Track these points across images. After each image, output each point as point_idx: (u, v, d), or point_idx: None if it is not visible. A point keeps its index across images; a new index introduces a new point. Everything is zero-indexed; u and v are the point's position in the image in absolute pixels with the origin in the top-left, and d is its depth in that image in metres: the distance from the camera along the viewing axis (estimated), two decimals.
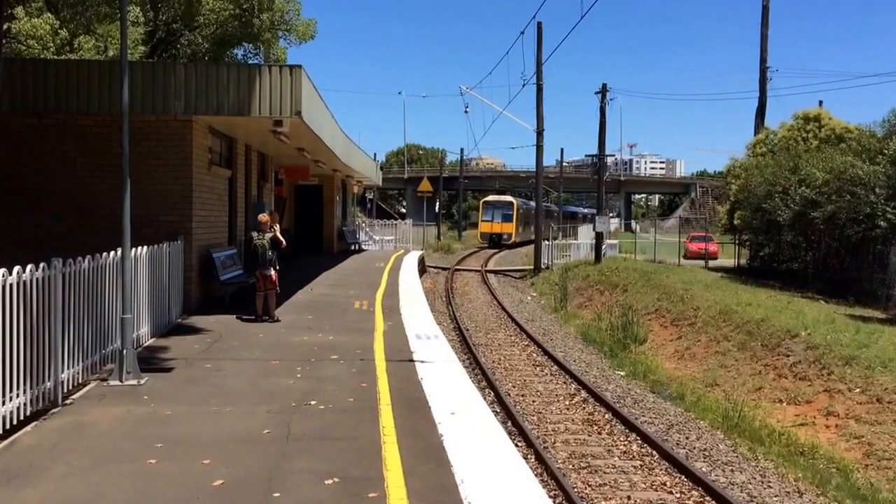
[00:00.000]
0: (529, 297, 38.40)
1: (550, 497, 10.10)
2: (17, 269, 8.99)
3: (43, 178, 16.78)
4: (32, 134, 16.78)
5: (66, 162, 16.85)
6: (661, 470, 12.46)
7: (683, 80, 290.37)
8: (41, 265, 9.61)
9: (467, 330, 25.29)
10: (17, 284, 8.97)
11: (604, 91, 46.76)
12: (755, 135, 46.41)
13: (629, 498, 11.27)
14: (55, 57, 26.96)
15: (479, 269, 49.42)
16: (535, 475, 9.95)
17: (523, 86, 49.00)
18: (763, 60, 51.46)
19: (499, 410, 15.39)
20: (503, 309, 31.42)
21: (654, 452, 13.28)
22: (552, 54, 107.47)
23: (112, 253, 11.98)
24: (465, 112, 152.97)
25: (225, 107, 16.61)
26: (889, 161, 28.05)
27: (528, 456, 12.67)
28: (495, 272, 49.26)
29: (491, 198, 76.07)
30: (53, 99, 16.43)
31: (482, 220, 71.39)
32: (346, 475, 7.51)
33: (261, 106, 16.57)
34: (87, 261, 11.07)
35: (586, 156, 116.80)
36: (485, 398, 12.87)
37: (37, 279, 9.46)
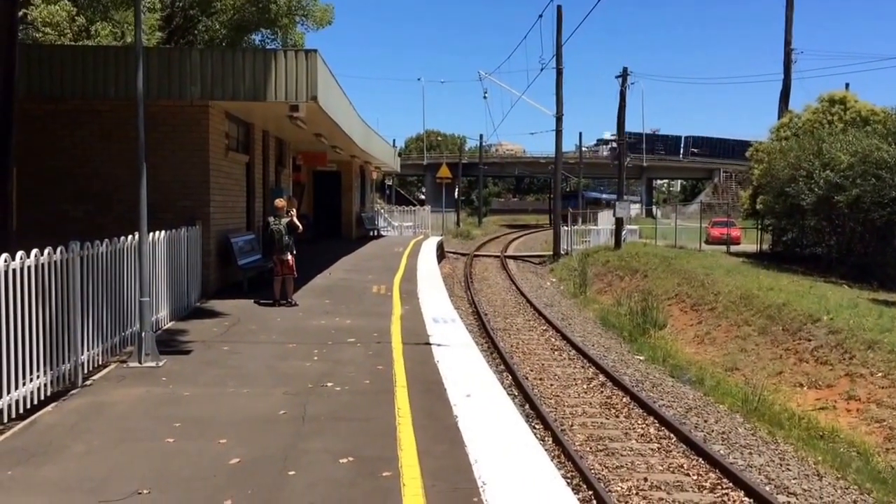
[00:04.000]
0: (549, 283, 38.35)
1: (567, 478, 10.12)
2: (34, 252, 9.04)
3: (61, 163, 16.86)
4: (50, 120, 16.85)
5: (84, 147, 16.93)
6: (678, 452, 12.43)
7: (706, 64, 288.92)
8: (59, 248, 9.67)
9: (486, 315, 25.30)
10: (36, 267, 9.03)
11: (624, 75, 46.58)
12: (779, 118, 46.03)
13: (646, 480, 11.24)
14: (72, 44, 27.02)
15: (499, 254, 49.46)
16: (553, 457, 10.00)
17: (541, 70, 48.97)
18: (787, 43, 51.08)
19: (516, 394, 15.39)
20: (522, 294, 31.40)
21: (672, 435, 13.24)
22: (571, 36, 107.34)
23: (130, 237, 12.03)
24: (485, 97, 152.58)
25: (241, 92, 16.59)
26: None
27: (546, 438, 12.68)
28: (514, 258, 49.26)
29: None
30: (70, 84, 16.48)
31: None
32: (360, 455, 7.52)
33: (276, 91, 16.55)
34: (104, 244, 11.11)
35: (599, 140, 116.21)
36: (502, 382, 12.91)
37: (55, 262, 9.52)
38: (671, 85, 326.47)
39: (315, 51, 16.70)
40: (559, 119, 47.80)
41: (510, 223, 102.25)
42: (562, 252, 47.01)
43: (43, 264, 9.23)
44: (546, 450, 8.70)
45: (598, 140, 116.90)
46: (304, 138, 26.15)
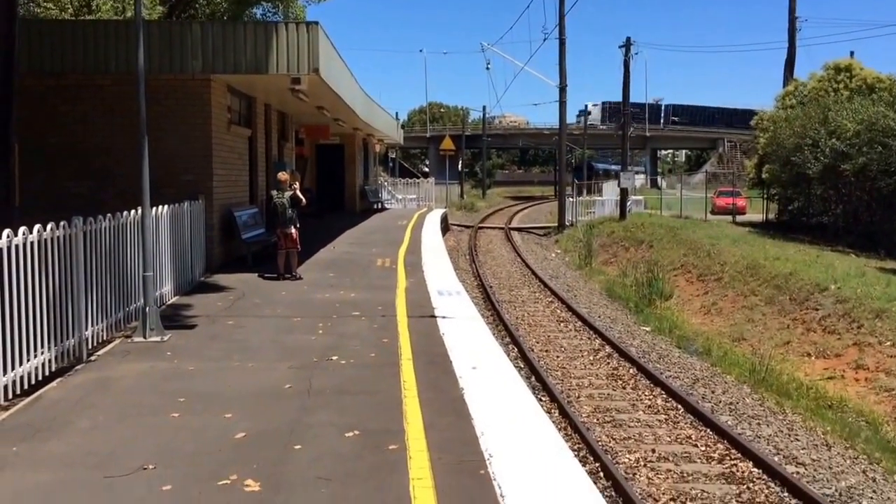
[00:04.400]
0: (553, 254, 38.27)
1: (574, 451, 10.07)
2: (37, 227, 8.99)
3: (63, 138, 16.76)
4: (51, 95, 16.74)
5: (86, 122, 16.84)
6: (685, 423, 12.36)
7: (710, 32, 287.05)
8: (62, 223, 9.62)
9: (490, 287, 25.21)
10: (39, 243, 8.99)
11: (627, 45, 46.28)
12: (784, 87, 45.84)
13: (653, 451, 11.17)
14: (73, 18, 26.85)
15: (503, 226, 49.35)
16: (559, 429, 9.95)
17: (544, 40, 49.51)
18: (792, 10, 50.89)
19: (522, 366, 15.34)
20: (527, 266, 31.32)
21: (679, 406, 13.17)
22: (574, 5, 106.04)
23: (132, 211, 11.99)
24: (487, 68, 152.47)
25: (242, 65, 16.50)
26: None
27: (552, 410, 12.63)
28: (519, 230, 49.15)
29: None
30: (71, 59, 16.37)
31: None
32: (366, 428, 7.48)
33: (278, 64, 16.45)
34: (107, 219, 11.07)
35: (580, 111, 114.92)
36: (508, 354, 12.82)
37: (58, 238, 9.47)
38: (675, 54, 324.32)
39: (316, 23, 16.59)
40: (562, 89, 47.53)
41: (515, 195, 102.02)
42: (567, 223, 46.86)
43: (46, 240, 9.19)
44: (553, 422, 8.65)
45: (579, 111, 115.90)
46: (307, 111, 26.04)
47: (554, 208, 55.84)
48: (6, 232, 8.31)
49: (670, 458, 10.91)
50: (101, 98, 16.76)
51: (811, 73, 43.39)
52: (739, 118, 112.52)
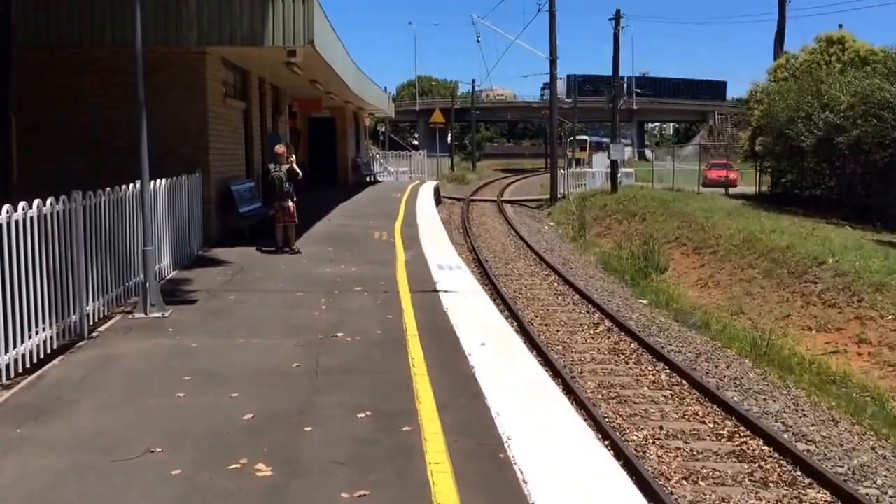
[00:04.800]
0: (547, 227, 38.18)
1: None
2: (37, 202, 8.80)
3: (61, 112, 16.41)
4: (48, 69, 16.41)
5: (83, 96, 16.47)
6: (692, 399, 12.27)
7: (699, 4, 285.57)
8: (62, 198, 9.42)
9: (486, 261, 25.09)
10: (39, 218, 8.79)
11: (617, 17, 46.01)
12: (775, 59, 45.69)
13: (661, 428, 11.09)
14: None
15: (495, 199, 49.24)
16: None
17: (538, 11, 48.22)
18: None
19: (523, 340, 15.22)
20: (521, 239, 31.21)
21: (684, 382, 13.07)
22: None
23: (131, 185, 11.79)
24: (478, 41, 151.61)
25: (238, 37, 16.23)
26: None
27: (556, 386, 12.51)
28: (511, 202, 49.01)
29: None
30: (67, 32, 16.05)
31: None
32: (378, 409, 7.32)
33: (274, 36, 16.18)
34: (106, 194, 10.88)
35: (545, 84, 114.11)
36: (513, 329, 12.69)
37: (58, 213, 9.28)
38: (663, 26, 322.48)
39: None
40: (553, 62, 47.38)
41: (505, 167, 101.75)
42: (558, 196, 46.73)
43: (46, 215, 8.99)
44: (570, 401, 8.49)
45: (543, 84, 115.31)
46: (300, 85, 25.75)
47: (544, 181, 55.74)
48: (6, 207, 8.12)
49: (679, 436, 10.82)
50: (96, 71, 16.42)
51: (803, 46, 43.26)
52: (685, 88, 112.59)
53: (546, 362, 13.80)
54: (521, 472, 5.95)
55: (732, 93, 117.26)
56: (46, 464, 6.20)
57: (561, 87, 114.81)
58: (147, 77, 11.59)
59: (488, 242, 30.45)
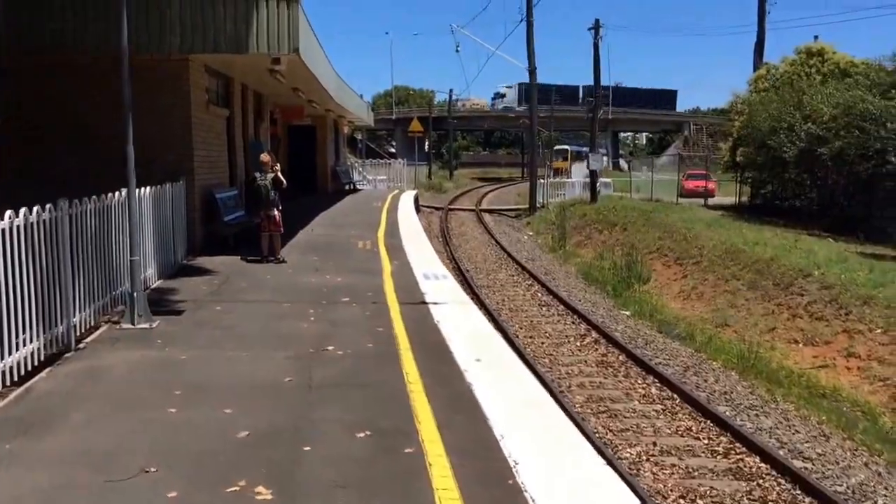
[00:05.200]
0: (526, 237, 38.11)
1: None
2: (23, 210, 8.58)
3: (46, 118, 16.15)
4: (34, 73, 16.15)
5: (67, 102, 16.21)
6: (684, 414, 12.17)
7: (676, 15, 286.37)
8: (48, 207, 9.20)
9: (468, 271, 24.98)
10: (25, 227, 8.58)
11: (597, 27, 46.12)
12: (755, 70, 45.82)
13: (655, 444, 10.97)
14: None
15: (474, 208, 49.23)
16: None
17: (521, 21, 48.19)
18: None
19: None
20: (502, 248, 31.13)
21: (675, 396, 12.98)
22: None
23: (117, 193, 11.58)
24: (457, 51, 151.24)
25: (222, 44, 15.97)
26: None
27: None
28: (490, 211, 48.98)
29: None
30: (49, 37, 15.75)
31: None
32: (376, 427, 7.12)
33: (258, 43, 15.94)
34: (92, 201, 10.66)
35: (495, 94, 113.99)
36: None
37: (44, 221, 9.06)
38: (642, 37, 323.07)
39: (297, 0, 16.10)
40: (532, 72, 47.46)
41: (481, 176, 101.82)
42: (537, 205, 46.67)
43: (32, 223, 8.77)
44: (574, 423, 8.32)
45: (495, 93, 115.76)
46: (282, 92, 25.57)
47: (522, 190, 55.74)
48: None
49: (673, 452, 10.72)
50: (80, 77, 16.13)
51: (783, 57, 43.35)
52: (641, 97, 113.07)
53: (534, 375, 13.66)
54: (533, 501, 5.76)
55: (707, 103, 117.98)
56: (38, 482, 6.00)
57: (511, 95, 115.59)
58: (130, 83, 11.38)
59: (469, 252, 30.32)
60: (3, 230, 8.12)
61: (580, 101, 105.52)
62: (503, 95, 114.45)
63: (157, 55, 15.93)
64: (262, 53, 16.16)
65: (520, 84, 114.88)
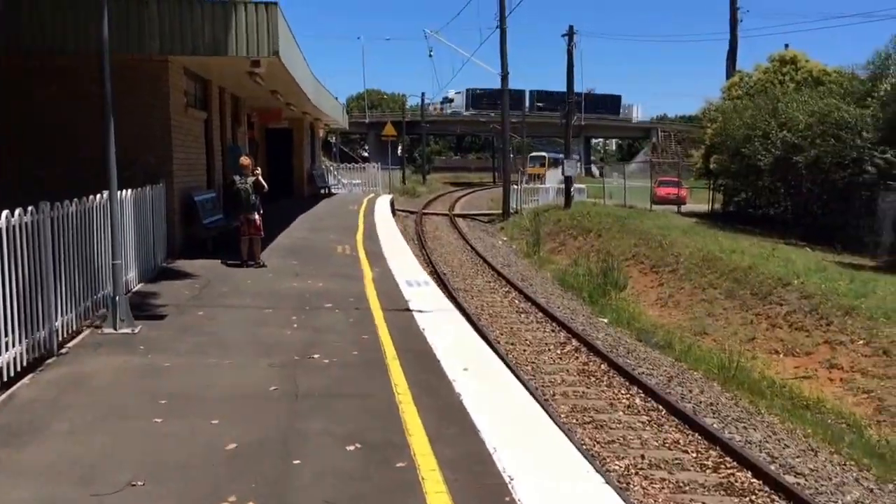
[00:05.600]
0: (500, 242, 38.02)
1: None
2: (5, 213, 8.37)
3: (27, 120, 15.90)
4: (17, 75, 15.88)
5: (48, 104, 15.94)
6: (670, 426, 12.05)
7: (646, 22, 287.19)
8: (29, 209, 8.99)
9: (444, 275, 24.86)
10: (7, 230, 8.38)
11: (570, 34, 46.21)
12: (727, 78, 46.02)
13: (643, 457, 10.84)
14: None
15: (447, 213, 49.13)
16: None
17: (497, 27, 48.14)
18: (733, 1, 50.92)
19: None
20: (477, 254, 31.00)
21: (660, 407, 12.87)
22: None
23: (98, 196, 11.37)
24: (430, 56, 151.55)
25: (201, 46, 15.81)
26: (879, 104, 27.72)
27: None
28: (463, 216, 48.85)
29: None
30: (30, 38, 15.47)
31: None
32: (366, 440, 6.97)
33: (237, 45, 15.77)
34: (74, 204, 10.45)
35: (444, 98, 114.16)
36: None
37: (26, 224, 8.85)
38: (617, 44, 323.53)
39: (276, 3, 15.89)
40: (504, 78, 47.50)
41: (453, 181, 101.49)
42: (511, 211, 46.63)
43: (14, 226, 8.57)
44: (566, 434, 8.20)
45: (443, 98, 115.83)
46: (260, 95, 25.36)
47: (494, 195, 55.66)
48: None
49: (662, 466, 10.60)
50: (60, 79, 15.89)
51: (756, 65, 43.62)
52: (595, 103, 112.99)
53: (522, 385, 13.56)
54: None
55: (675, 110, 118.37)
56: (22, 496, 5.84)
57: (459, 100, 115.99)
58: (111, 80, 11.17)
59: (444, 257, 30.19)
60: None
61: (528, 107, 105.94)
62: (451, 100, 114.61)
63: (137, 55, 15.71)
64: (242, 56, 16.02)
65: (468, 89, 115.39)
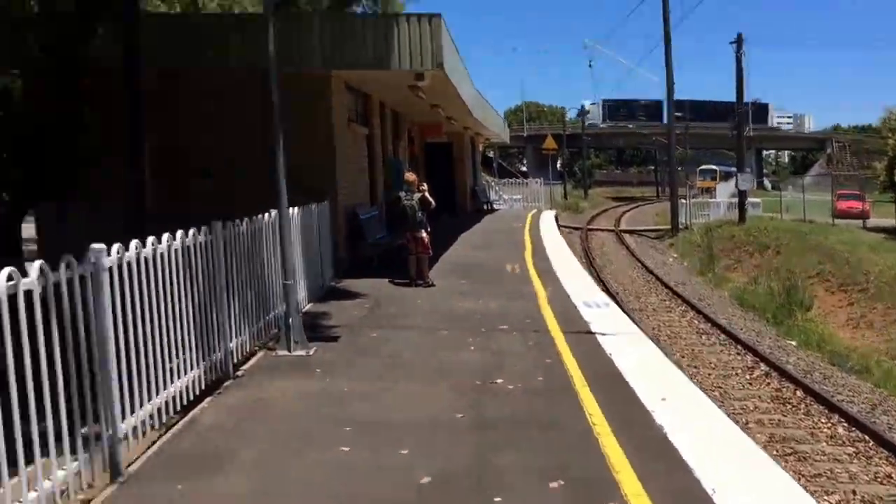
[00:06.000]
0: (671, 259, 36.72)
1: None
2: (179, 233, 8.07)
3: (184, 138, 15.79)
4: (171, 93, 15.80)
5: (206, 121, 15.81)
6: (880, 459, 10.98)
7: (821, 29, 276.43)
8: (203, 229, 8.68)
9: (617, 293, 23.89)
10: (182, 250, 8.09)
11: (739, 41, 44.26)
12: None
13: (854, 493, 9.83)
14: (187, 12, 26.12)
15: (613, 228, 48.12)
16: None
17: (660, 41, 46.71)
18: None
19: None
20: (648, 271, 29.93)
21: (866, 437, 11.74)
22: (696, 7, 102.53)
23: (267, 214, 11.06)
24: (590, 66, 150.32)
25: (363, 61, 15.61)
26: None
27: None
28: (630, 232, 47.56)
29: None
30: (188, 56, 15.43)
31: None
32: (569, 476, 6.32)
33: (400, 59, 15.43)
34: (244, 223, 10.14)
35: (588, 104, 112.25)
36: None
37: (200, 243, 8.54)
38: (779, 54, 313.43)
39: (439, 15, 15.51)
40: (670, 89, 46.01)
41: (615, 195, 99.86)
42: (680, 226, 45.08)
43: (189, 246, 8.28)
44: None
45: (578, 110, 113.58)
46: (420, 109, 25.07)
47: (659, 210, 54.28)
48: (151, 239, 7.39)
49: (876, 503, 9.54)
50: (219, 96, 15.72)
51: None
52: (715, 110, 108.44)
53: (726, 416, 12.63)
54: None
55: (848, 121, 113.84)
56: None
57: (595, 111, 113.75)
58: (270, 102, 10.73)
59: (614, 274, 29.21)
60: (162, 254, 7.61)
61: (662, 118, 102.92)
62: (587, 112, 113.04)
63: (298, 71, 15.39)
64: (405, 69, 15.72)
65: (604, 100, 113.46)
